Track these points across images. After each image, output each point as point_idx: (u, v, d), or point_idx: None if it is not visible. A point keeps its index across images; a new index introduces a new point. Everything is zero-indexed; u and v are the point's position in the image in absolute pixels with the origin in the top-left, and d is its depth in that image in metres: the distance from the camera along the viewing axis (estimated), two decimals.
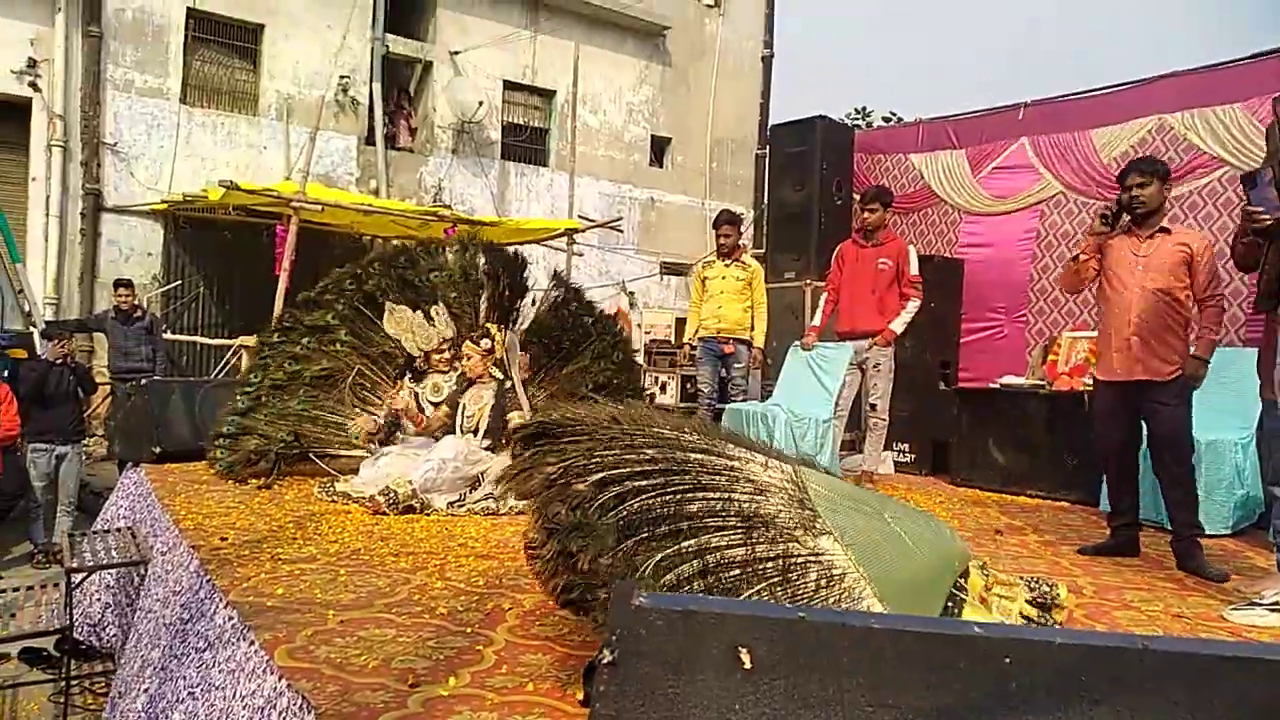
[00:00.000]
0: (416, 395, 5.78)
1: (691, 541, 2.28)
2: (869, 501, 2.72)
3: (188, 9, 11.08)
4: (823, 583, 2.29)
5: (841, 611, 1.26)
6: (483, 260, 6.19)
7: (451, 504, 4.91)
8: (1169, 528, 4.30)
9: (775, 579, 2.27)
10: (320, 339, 6.07)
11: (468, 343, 5.71)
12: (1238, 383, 4.85)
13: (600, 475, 2.36)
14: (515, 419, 5.37)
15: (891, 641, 1.16)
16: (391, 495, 4.77)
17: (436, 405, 5.73)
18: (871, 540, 2.45)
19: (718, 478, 2.43)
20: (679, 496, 2.34)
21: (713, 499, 2.37)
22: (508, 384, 5.54)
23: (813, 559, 2.33)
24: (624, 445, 2.44)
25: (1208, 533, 4.84)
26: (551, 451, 2.47)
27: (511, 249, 6.47)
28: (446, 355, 5.80)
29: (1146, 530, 4.53)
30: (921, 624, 1.21)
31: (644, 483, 2.35)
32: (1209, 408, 5.32)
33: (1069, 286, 4.68)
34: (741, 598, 2.21)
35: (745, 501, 2.40)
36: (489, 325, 5.77)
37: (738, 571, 2.26)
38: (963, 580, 2.70)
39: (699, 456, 2.47)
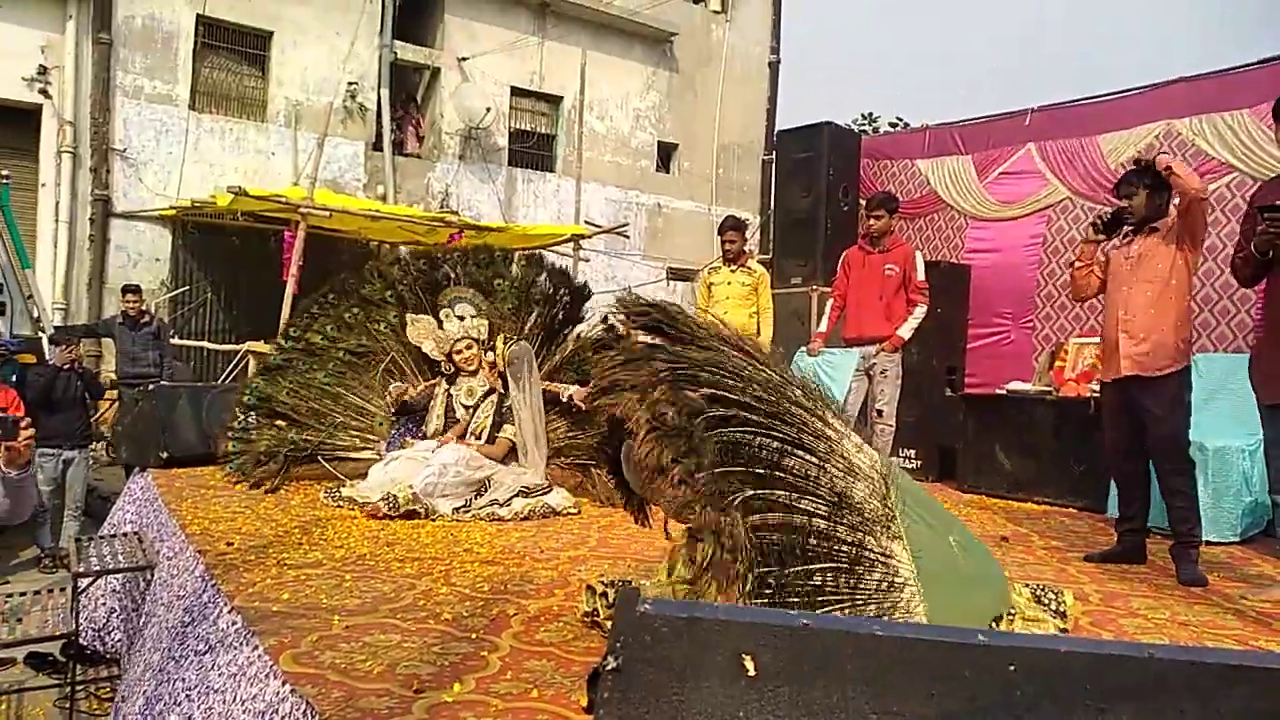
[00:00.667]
0: (450, 396, 5.82)
1: (782, 493, 2.17)
2: (939, 517, 2.64)
3: (197, 16, 11.14)
4: (884, 585, 2.22)
5: (846, 619, 1.26)
6: (544, 279, 6.34)
7: (457, 509, 4.91)
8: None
9: (844, 565, 2.19)
10: (369, 313, 6.13)
11: (465, 339, 5.82)
12: (1244, 389, 4.83)
13: (711, 391, 2.23)
14: (508, 433, 5.44)
15: (896, 649, 1.16)
16: (392, 500, 4.77)
17: (469, 409, 5.75)
18: (935, 560, 2.38)
19: (817, 442, 2.32)
20: (778, 445, 2.22)
21: (808, 461, 2.25)
22: (509, 399, 5.53)
23: (881, 559, 2.25)
24: (736, 374, 2.32)
25: (1216, 540, 4.83)
26: (665, 350, 2.36)
27: (580, 283, 6.60)
28: (467, 354, 5.81)
29: (1154, 537, 4.51)
30: (926, 632, 1.21)
31: (750, 415, 2.22)
32: (1216, 414, 5.31)
33: (1075, 294, 4.69)
34: (813, 570, 2.13)
35: (838, 477, 2.29)
36: (498, 339, 5.85)
37: (815, 542, 2.17)
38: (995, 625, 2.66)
39: (801, 413, 2.35)
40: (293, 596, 3.24)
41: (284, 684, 2.45)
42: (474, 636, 2.88)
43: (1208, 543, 4.58)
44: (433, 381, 5.95)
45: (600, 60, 14.03)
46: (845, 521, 2.24)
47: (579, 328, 6.42)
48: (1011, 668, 1.11)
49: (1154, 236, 4.15)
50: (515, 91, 13.63)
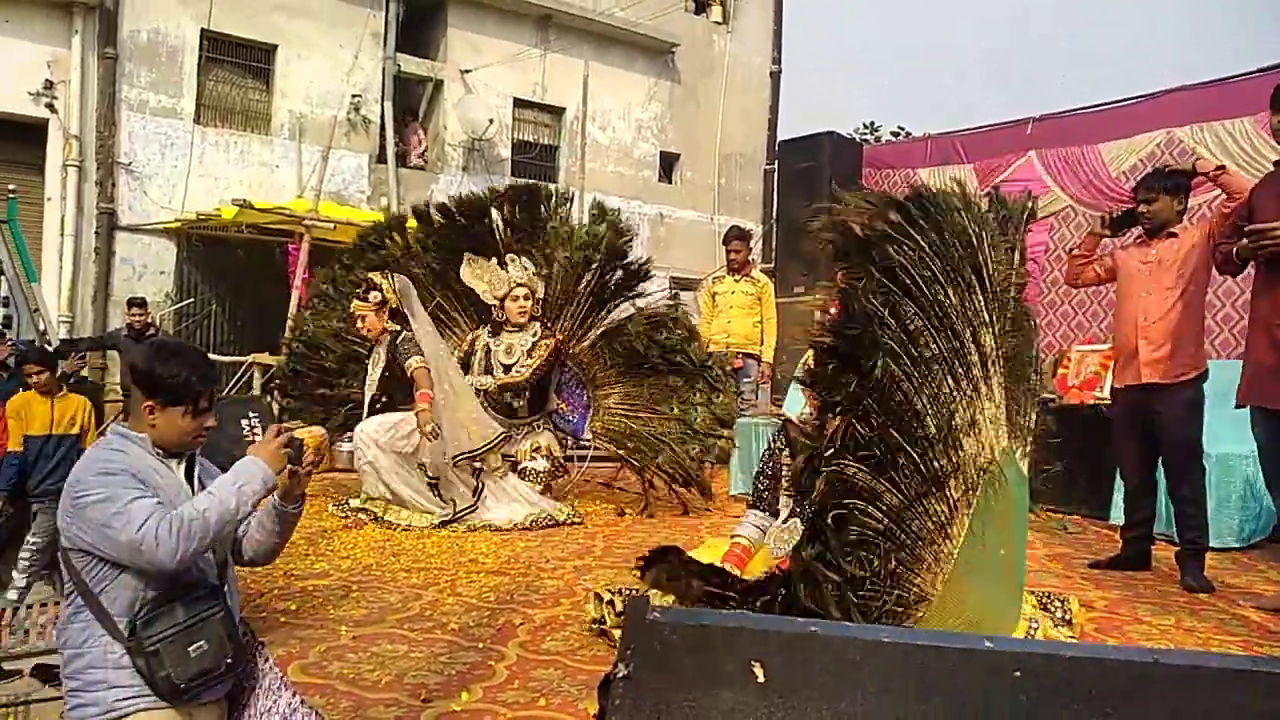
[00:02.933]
0: (489, 351, 5.60)
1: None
2: (1007, 522, 2.50)
3: (201, 30, 11.20)
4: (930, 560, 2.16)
5: (853, 625, 1.27)
6: (603, 248, 5.86)
7: (516, 524, 4.99)
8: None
9: (929, 534, 2.14)
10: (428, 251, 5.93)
11: (355, 301, 5.30)
12: None
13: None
14: (417, 363, 5.02)
15: (903, 655, 1.17)
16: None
17: (508, 369, 5.48)
18: (975, 562, 2.28)
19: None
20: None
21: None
22: (403, 334, 5.19)
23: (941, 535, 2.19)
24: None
25: (1220, 546, 4.82)
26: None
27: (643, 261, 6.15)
28: (522, 303, 5.50)
29: (1159, 544, 4.51)
30: (933, 638, 1.22)
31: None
32: (1219, 421, 5.30)
33: (1068, 278, 4.82)
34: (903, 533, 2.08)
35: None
36: (372, 276, 5.35)
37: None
38: None
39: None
40: (300, 607, 3.26)
41: (294, 695, 2.46)
42: (481, 646, 2.89)
43: (1212, 549, 4.57)
44: (473, 335, 5.74)
45: (602, 71, 14.09)
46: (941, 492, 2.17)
47: (629, 304, 6.06)
48: (1017, 673, 1.13)
49: (1172, 241, 4.14)
50: (518, 103, 13.69)
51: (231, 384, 10.39)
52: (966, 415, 2.22)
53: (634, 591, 2.84)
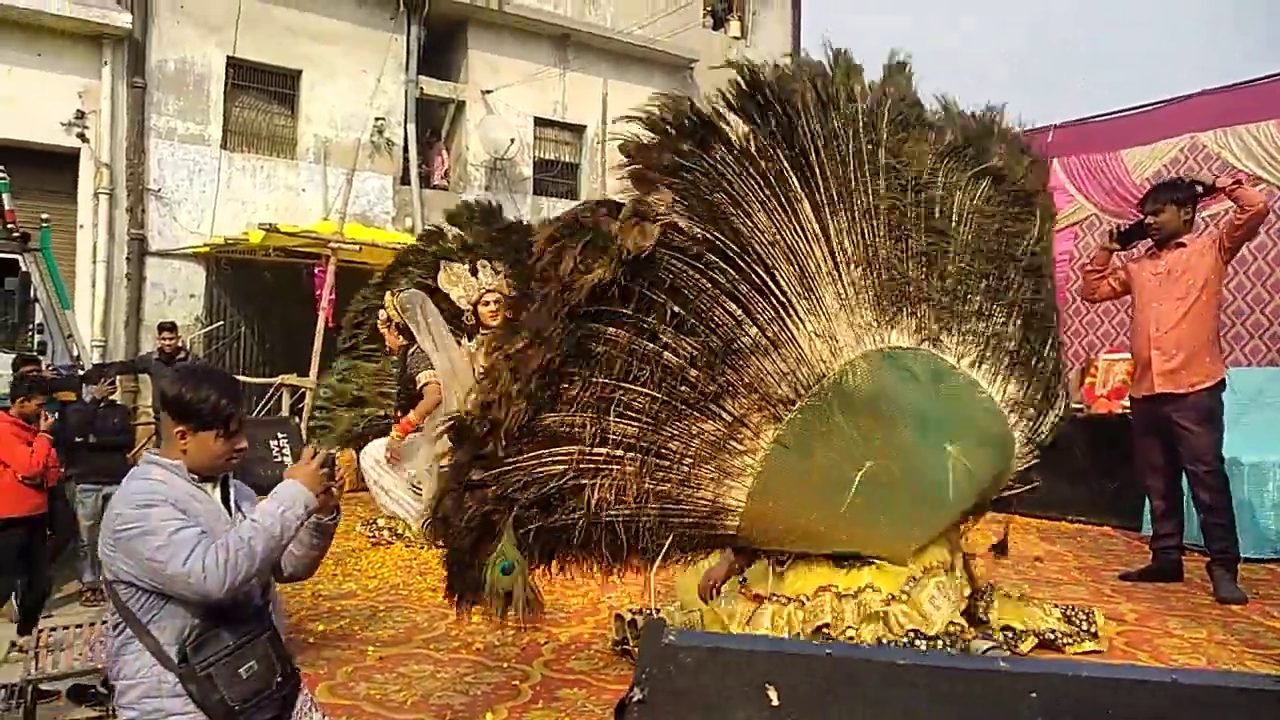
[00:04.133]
0: (471, 356, 5.63)
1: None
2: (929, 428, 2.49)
3: (228, 58, 11.39)
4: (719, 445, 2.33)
5: (868, 647, 1.27)
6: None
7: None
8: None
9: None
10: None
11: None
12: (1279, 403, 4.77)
13: None
14: (425, 378, 5.10)
15: (917, 676, 1.17)
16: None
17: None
18: (805, 472, 2.36)
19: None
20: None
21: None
22: (413, 347, 5.31)
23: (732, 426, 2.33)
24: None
25: (1255, 557, 4.74)
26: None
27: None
28: (494, 307, 5.59)
29: (1190, 554, 4.45)
30: (947, 660, 1.22)
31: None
32: (1251, 429, 5.23)
33: (1084, 294, 4.84)
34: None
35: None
36: (388, 296, 5.59)
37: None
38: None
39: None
40: (328, 627, 3.29)
41: (322, 716, 2.48)
42: (506, 665, 2.91)
43: (1246, 559, 4.50)
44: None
45: (622, 88, 14.16)
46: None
47: None
48: (1032, 694, 1.12)
49: (1181, 251, 4.11)
50: (539, 122, 13.79)
51: (260, 405, 10.51)
52: (759, 336, 2.29)
53: (655, 611, 2.85)
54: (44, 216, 9.48)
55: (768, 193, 2.32)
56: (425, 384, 5.07)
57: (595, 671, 2.86)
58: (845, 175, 2.38)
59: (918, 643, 2.29)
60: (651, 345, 2.25)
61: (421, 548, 4.84)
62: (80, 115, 10.58)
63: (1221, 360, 4.26)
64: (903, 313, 2.45)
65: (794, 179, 2.34)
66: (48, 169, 10.64)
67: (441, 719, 2.46)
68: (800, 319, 2.35)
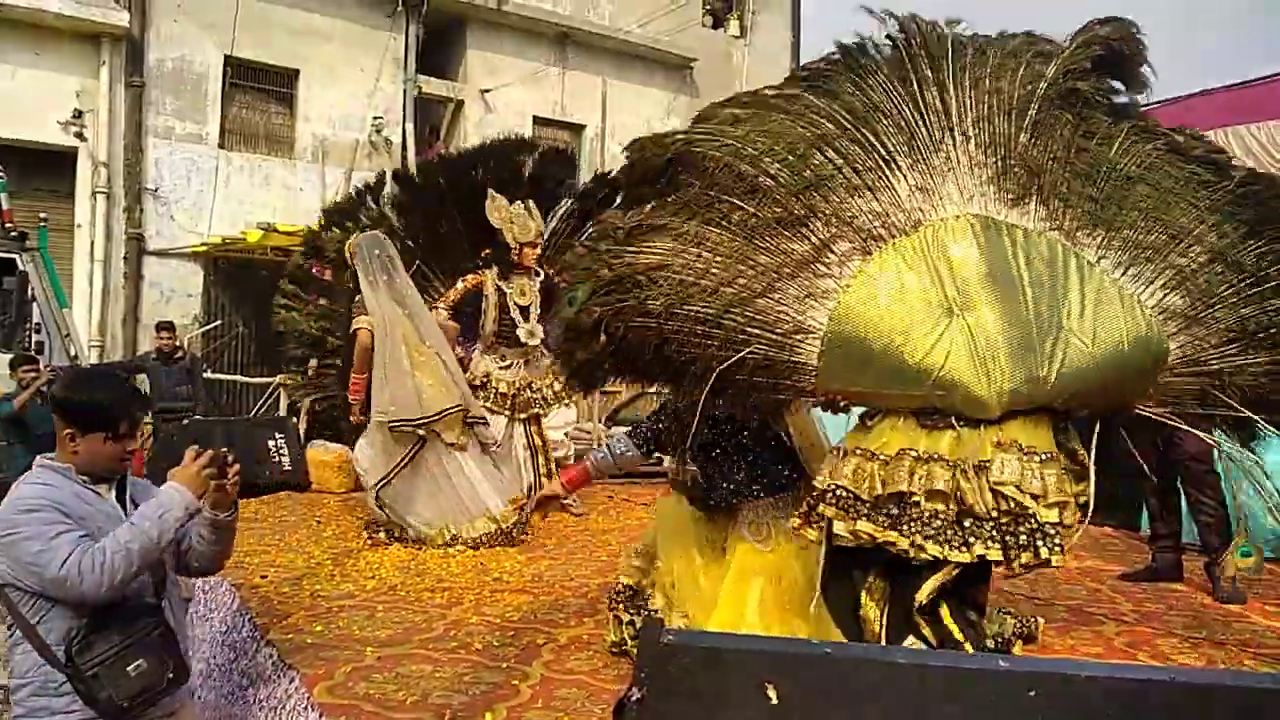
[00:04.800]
0: (503, 292, 5.66)
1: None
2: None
3: (225, 57, 11.37)
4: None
5: (868, 646, 1.27)
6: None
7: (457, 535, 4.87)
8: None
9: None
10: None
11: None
12: None
13: None
14: (356, 324, 5.05)
15: (916, 676, 1.17)
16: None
17: (524, 311, 5.64)
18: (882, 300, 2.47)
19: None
20: None
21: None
22: (357, 296, 5.19)
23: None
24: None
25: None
26: None
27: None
28: (537, 252, 5.72)
29: (1189, 554, 4.45)
30: (947, 659, 1.22)
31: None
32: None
33: None
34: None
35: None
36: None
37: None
38: None
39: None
40: (326, 628, 3.28)
41: (320, 716, 2.48)
42: (505, 666, 2.90)
43: None
44: (474, 278, 5.74)
45: (621, 88, 14.16)
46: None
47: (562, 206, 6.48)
48: (1031, 693, 1.12)
49: None
50: (538, 121, 13.78)
51: (258, 405, 10.50)
52: (853, 179, 2.48)
53: (653, 613, 2.85)
54: (41, 216, 9.48)
55: (895, 76, 2.55)
56: (355, 329, 4.96)
57: (595, 671, 2.86)
58: (977, 67, 2.58)
59: (965, 522, 2.28)
60: (750, 169, 2.48)
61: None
62: (78, 114, 10.57)
63: None
64: (1029, 200, 2.53)
65: (925, 68, 2.55)
66: (45, 168, 10.64)
67: (440, 718, 2.46)
68: (903, 173, 2.50)
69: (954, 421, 2.42)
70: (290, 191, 11.85)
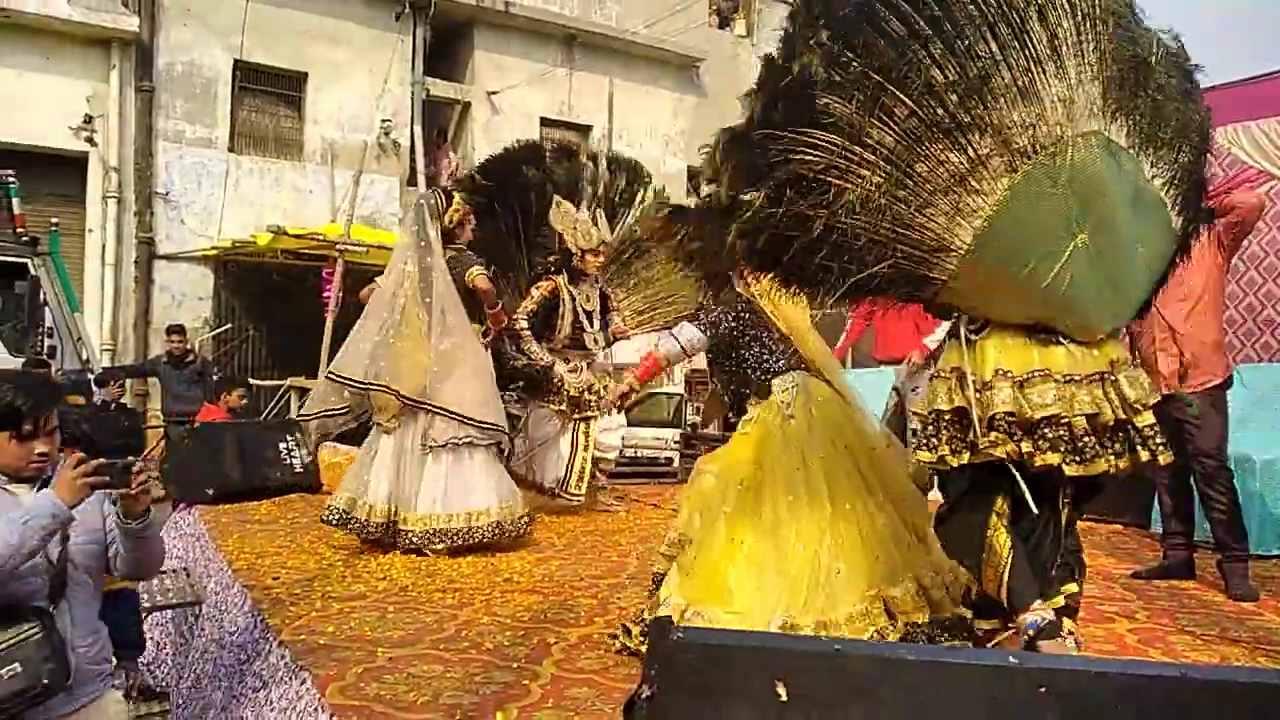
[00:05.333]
0: (573, 298, 5.69)
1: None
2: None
3: (234, 61, 11.43)
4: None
5: (877, 644, 1.27)
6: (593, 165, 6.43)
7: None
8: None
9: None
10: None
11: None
12: None
13: None
14: (472, 273, 4.88)
15: (928, 673, 1.17)
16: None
17: (589, 317, 5.70)
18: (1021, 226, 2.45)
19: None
20: None
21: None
22: (449, 253, 4.98)
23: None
24: None
25: (1265, 554, 4.72)
26: None
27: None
28: (600, 260, 5.73)
29: (1201, 551, 4.43)
30: (958, 655, 1.22)
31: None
32: (1263, 425, 5.20)
33: None
34: None
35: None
36: None
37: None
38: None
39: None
40: (338, 629, 3.29)
41: (332, 716, 2.49)
42: (515, 665, 2.91)
43: (1260, 556, 4.48)
44: (549, 284, 5.72)
45: (628, 88, 14.18)
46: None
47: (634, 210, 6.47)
48: (1042, 689, 1.12)
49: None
50: (545, 122, 13.80)
51: (269, 407, 10.55)
52: (1012, 82, 2.38)
53: (664, 619, 2.84)
54: (53, 220, 9.55)
55: None
56: (473, 282, 4.86)
57: (605, 670, 2.86)
58: None
59: (1101, 436, 2.47)
60: (923, 55, 2.35)
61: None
62: (88, 119, 10.64)
63: (1227, 359, 4.25)
64: (1121, 113, 2.54)
65: None
66: (56, 173, 10.71)
67: (451, 718, 2.47)
68: (1047, 79, 2.44)
69: (1061, 339, 2.55)
70: (300, 194, 11.91)
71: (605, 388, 5.72)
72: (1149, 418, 2.52)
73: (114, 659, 2.66)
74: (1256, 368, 5.92)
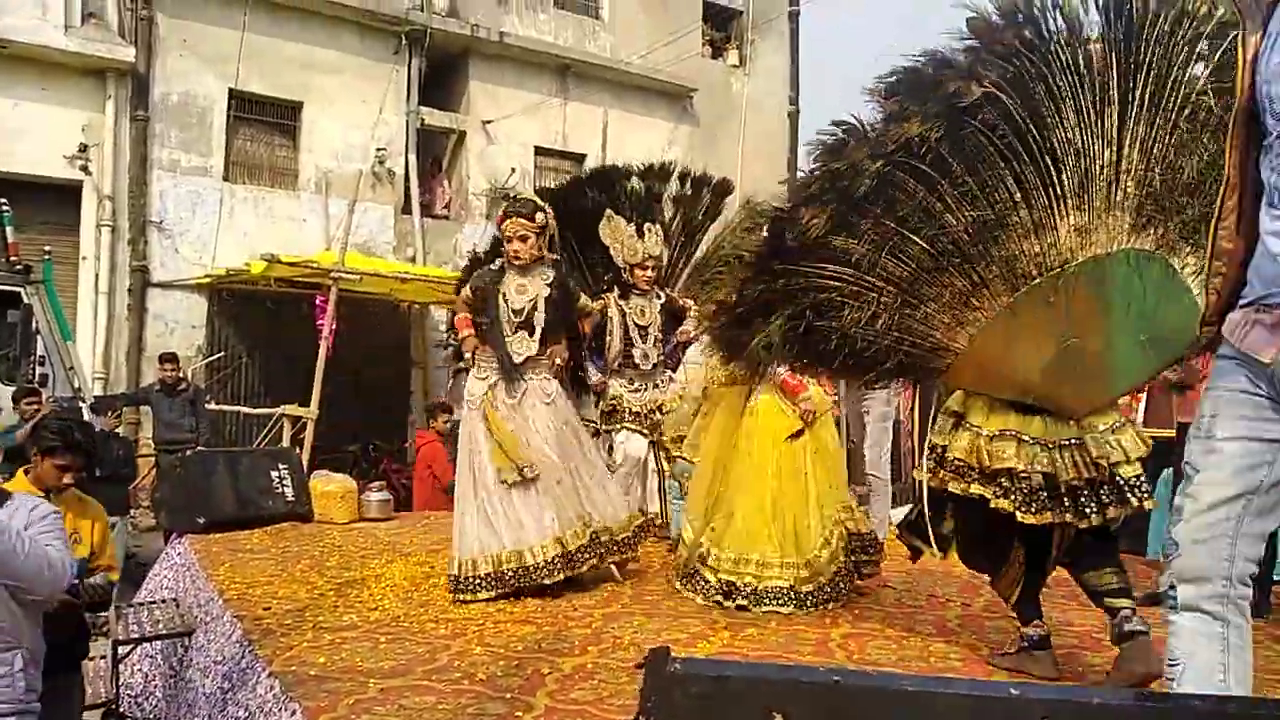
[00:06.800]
0: (624, 313, 5.60)
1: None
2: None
3: (229, 90, 11.48)
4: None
5: (877, 675, 1.25)
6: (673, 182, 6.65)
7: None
8: None
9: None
10: None
11: (514, 220, 4.68)
12: None
13: None
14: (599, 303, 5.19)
15: (927, 703, 1.15)
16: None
17: (643, 330, 5.58)
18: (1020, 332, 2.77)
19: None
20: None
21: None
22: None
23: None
24: None
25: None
26: None
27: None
28: (650, 274, 5.61)
29: None
30: (958, 687, 1.20)
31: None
32: None
33: None
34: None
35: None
36: (535, 199, 5.01)
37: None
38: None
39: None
40: (329, 660, 3.25)
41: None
42: (509, 696, 2.87)
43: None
44: (600, 303, 5.59)
45: (622, 118, 14.26)
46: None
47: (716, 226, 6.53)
48: (1044, 718, 1.10)
49: None
50: (539, 151, 13.87)
51: (262, 436, 10.50)
52: (1029, 218, 2.61)
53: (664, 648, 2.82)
54: (46, 249, 9.53)
55: (1084, 92, 2.55)
56: (592, 309, 5.24)
57: (600, 700, 2.83)
58: (1157, 86, 2.55)
59: (1061, 490, 2.79)
60: (939, 204, 2.63)
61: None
62: (83, 148, 10.66)
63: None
64: (1154, 222, 2.64)
65: (1114, 83, 2.54)
66: (50, 202, 10.71)
67: None
68: (1067, 213, 2.61)
69: (1042, 410, 2.86)
70: (294, 223, 11.92)
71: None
72: (1133, 469, 2.78)
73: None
74: None
